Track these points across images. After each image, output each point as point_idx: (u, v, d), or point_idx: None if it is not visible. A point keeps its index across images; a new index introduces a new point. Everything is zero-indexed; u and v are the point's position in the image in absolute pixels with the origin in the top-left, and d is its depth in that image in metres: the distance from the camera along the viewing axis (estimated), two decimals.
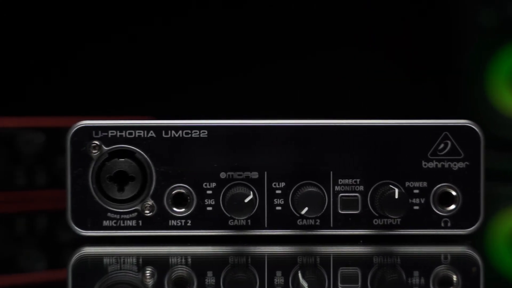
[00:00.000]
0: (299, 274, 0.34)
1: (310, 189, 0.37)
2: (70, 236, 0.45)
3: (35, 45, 0.70)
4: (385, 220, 0.38)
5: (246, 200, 0.37)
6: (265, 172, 0.38)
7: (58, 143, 0.59)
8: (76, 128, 0.38)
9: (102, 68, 0.71)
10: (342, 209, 0.38)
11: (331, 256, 0.38)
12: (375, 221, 0.38)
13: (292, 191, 0.38)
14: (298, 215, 0.38)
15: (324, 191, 0.38)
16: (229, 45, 0.72)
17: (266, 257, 0.37)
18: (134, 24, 0.72)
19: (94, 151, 0.38)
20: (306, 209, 0.37)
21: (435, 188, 0.38)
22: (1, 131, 0.58)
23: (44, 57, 0.70)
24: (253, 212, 0.37)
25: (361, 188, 0.38)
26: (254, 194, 0.37)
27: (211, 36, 0.72)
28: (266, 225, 0.38)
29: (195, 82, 0.71)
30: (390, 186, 0.38)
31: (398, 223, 0.38)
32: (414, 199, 0.38)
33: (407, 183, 0.38)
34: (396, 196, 0.37)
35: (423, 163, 0.38)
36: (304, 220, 0.38)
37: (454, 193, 0.38)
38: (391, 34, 0.72)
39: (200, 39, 0.72)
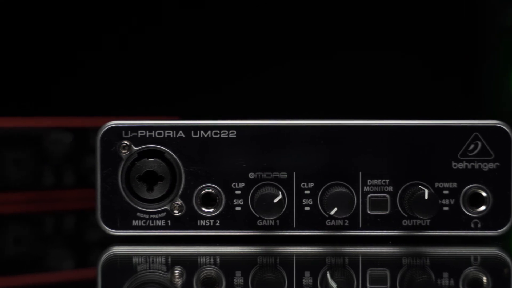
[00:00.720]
0: (328, 275, 0.34)
1: (339, 190, 0.37)
2: (97, 236, 0.46)
3: (61, 45, 0.71)
4: (415, 221, 0.38)
5: (275, 201, 0.37)
6: (294, 173, 0.38)
7: (86, 143, 0.60)
8: (106, 128, 0.38)
9: (128, 68, 0.71)
10: (371, 210, 0.38)
11: (360, 257, 0.38)
12: (404, 222, 0.38)
13: (320, 192, 0.38)
14: (326, 215, 0.38)
15: (353, 191, 0.38)
16: (258, 44, 0.72)
17: (294, 257, 0.38)
18: (159, 24, 0.72)
19: (123, 151, 0.38)
20: (335, 209, 0.37)
21: (465, 189, 0.38)
22: (29, 131, 0.59)
23: (70, 57, 0.71)
24: (281, 213, 0.37)
25: (390, 188, 0.38)
26: (282, 194, 0.37)
27: (238, 34, 0.72)
28: (294, 226, 0.38)
29: (222, 82, 0.71)
30: (420, 187, 0.37)
31: (428, 224, 0.38)
32: (443, 200, 0.38)
33: (436, 184, 0.38)
34: (426, 197, 0.37)
35: (453, 163, 0.38)
36: (333, 221, 0.38)
37: (484, 194, 0.38)
38: (416, 33, 0.72)
39: (226, 38, 0.72)
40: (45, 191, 0.59)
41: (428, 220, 0.38)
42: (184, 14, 0.72)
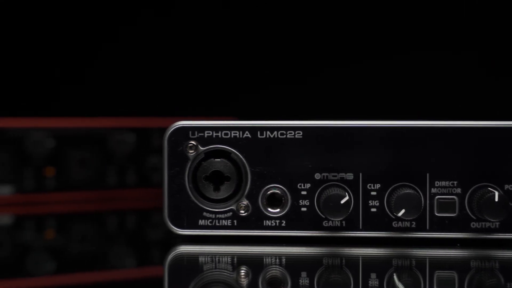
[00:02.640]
0: (395, 277, 0.33)
1: (408, 191, 0.37)
2: (160, 235, 0.46)
3: (120, 49, 0.72)
4: (483, 223, 0.37)
5: (342, 202, 0.37)
6: (360, 173, 0.38)
7: (148, 143, 0.61)
8: (173, 128, 0.38)
9: (187, 68, 0.72)
10: (438, 212, 0.37)
11: (427, 259, 0.37)
12: (473, 224, 0.37)
13: (387, 193, 0.37)
14: (393, 217, 0.37)
15: (420, 193, 0.37)
16: (323, 44, 0.71)
17: (360, 259, 0.37)
18: (219, 23, 0.72)
19: (190, 151, 0.38)
20: (403, 211, 0.37)
21: None
22: (93, 132, 0.60)
23: (128, 59, 0.72)
24: (348, 214, 0.37)
25: (459, 190, 0.37)
26: (349, 195, 0.37)
27: (303, 33, 0.72)
28: (360, 227, 0.38)
29: (288, 82, 0.71)
30: (489, 189, 0.37)
31: (497, 226, 0.37)
32: None
33: (506, 186, 0.37)
34: (496, 199, 0.36)
35: None
36: (400, 222, 0.37)
37: None
38: (478, 35, 0.70)
39: (291, 37, 0.72)
40: (108, 190, 0.60)
41: (497, 223, 0.37)
42: (246, 12, 0.73)
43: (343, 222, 0.38)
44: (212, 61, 0.72)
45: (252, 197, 0.38)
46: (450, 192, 0.37)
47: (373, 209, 0.38)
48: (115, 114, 0.61)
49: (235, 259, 0.37)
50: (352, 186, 0.38)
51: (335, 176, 0.38)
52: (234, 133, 0.38)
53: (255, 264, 0.36)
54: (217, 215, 0.38)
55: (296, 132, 0.38)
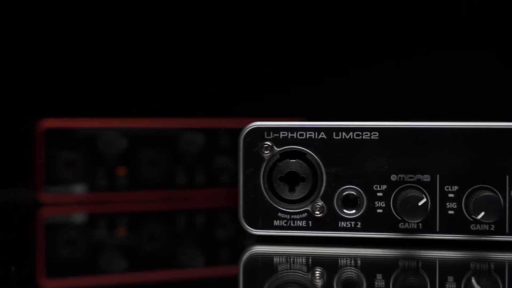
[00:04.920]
0: (473, 281, 0.33)
1: (487, 194, 0.36)
2: (231, 234, 0.47)
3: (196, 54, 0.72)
4: None
5: (420, 203, 0.36)
6: (437, 175, 0.37)
7: (217, 143, 0.61)
8: (249, 129, 0.38)
9: (248, 68, 0.72)
10: None
11: (506, 263, 0.36)
12: None
13: (465, 195, 0.37)
14: (471, 219, 0.37)
15: (500, 195, 0.37)
16: (398, 43, 0.71)
17: (437, 261, 0.37)
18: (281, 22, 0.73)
19: (266, 152, 0.38)
20: (482, 213, 0.36)
21: None
22: (163, 132, 0.61)
23: (197, 60, 0.72)
24: (425, 216, 0.37)
25: None
26: (426, 197, 0.37)
27: (367, 34, 0.71)
28: (437, 229, 0.37)
29: (361, 83, 0.71)
30: None
31: None
32: None
33: None
34: None
35: None
36: (478, 225, 0.37)
37: None
38: None
39: (358, 37, 0.71)
40: (178, 190, 0.61)
41: None
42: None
43: (420, 224, 0.37)
44: (277, 60, 0.72)
45: (327, 198, 0.38)
46: None
47: (451, 212, 0.37)
48: (185, 115, 0.62)
49: (310, 260, 0.37)
50: (429, 188, 0.37)
51: (412, 177, 0.37)
52: (309, 133, 0.38)
53: (330, 265, 0.36)
54: (292, 216, 0.38)
55: (372, 133, 0.38)
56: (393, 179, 0.37)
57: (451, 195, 0.37)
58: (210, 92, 0.71)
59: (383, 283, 0.32)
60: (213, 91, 0.71)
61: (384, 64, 0.71)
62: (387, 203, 0.37)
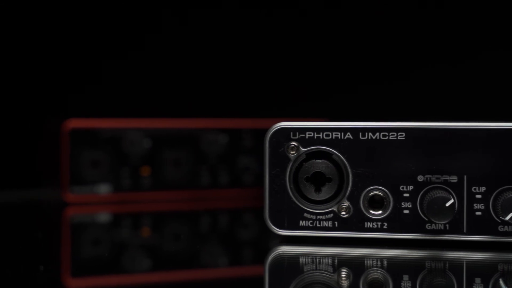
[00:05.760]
0: (501, 282, 0.33)
1: None
2: (254, 234, 0.47)
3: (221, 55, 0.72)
4: None
5: (447, 204, 0.36)
6: (465, 176, 0.37)
7: (240, 144, 0.61)
8: (274, 129, 0.38)
9: (274, 69, 0.72)
10: None
11: None
12: None
13: (493, 196, 0.37)
14: (499, 221, 0.37)
15: None
16: (419, 43, 0.71)
17: (464, 263, 0.37)
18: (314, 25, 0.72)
19: (292, 152, 0.38)
20: (510, 215, 0.36)
21: None
22: (187, 132, 0.61)
23: (223, 60, 0.72)
24: (452, 217, 0.37)
25: None
26: (453, 198, 0.37)
27: (402, 35, 0.71)
28: (465, 230, 0.37)
29: (388, 83, 0.71)
30: None
31: None
32: None
33: None
34: None
35: None
36: (506, 226, 0.37)
37: None
38: None
39: (389, 38, 0.71)
40: (201, 190, 0.61)
41: None
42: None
43: (447, 225, 0.37)
44: (305, 62, 0.72)
45: (353, 199, 0.38)
46: None
47: (478, 213, 0.37)
48: (208, 115, 0.62)
49: (336, 260, 0.37)
50: (456, 188, 0.37)
51: (439, 178, 0.37)
52: (335, 134, 0.38)
53: (356, 266, 0.36)
54: (318, 216, 0.38)
55: (399, 133, 0.37)
56: (420, 180, 0.37)
57: (478, 196, 0.37)
58: (233, 92, 0.71)
59: (410, 284, 0.32)
60: (236, 91, 0.71)
61: (410, 65, 0.70)
62: (414, 204, 0.37)
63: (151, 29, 0.71)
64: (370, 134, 0.38)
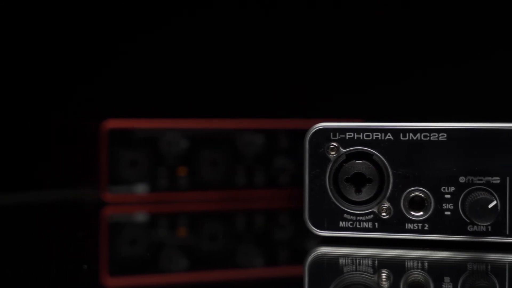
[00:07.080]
0: None
1: None
2: (291, 234, 0.47)
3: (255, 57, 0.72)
4: None
5: (490, 206, 0.36)
6: (507, 177, 0.36)
7: (276, 144, 0.61)
8: (314, 129, 0.38)
9: (308, 71, 0.72)
10: None
11: None
12: None
13: None
14: None
15: None
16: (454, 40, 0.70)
17: (507, 265, 0.36)
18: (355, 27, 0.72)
19: (332, 153, 0.38)
20: None
21: None
22: (223, 132, 0.61)
23: (257, 63, 0.73)
24: (495, 218, 0.36)
25: None
26: (496, 199, 0.36)
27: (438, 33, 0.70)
28: (507, 232, 0.36)
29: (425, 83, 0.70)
30: None
31: None
32: None
33: None
34: None
35: None
36: None
37: None
38: None
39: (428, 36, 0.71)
40: (237, 190, 0.61)
41: None
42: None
43: (489, 227, 0.37)
44: (335, 63, 0.72)
45: (394, 200, 0.38)
46: None
47: None
48: (245, 115, 0.62)
49: (376, 261, 0.37)
50: (499, 190, 0.37)
51: (481, 179, 0.37)
52: (376, 135, 0.38)
53: (397, 267, 0.36)
54: (358, 217, 0.38)
55: (440, 134, 0.37)
56: (462, 181, 0.37)
57: None
58: (269, 93, 0.71)
59: (451, 287, 0.32)
60: (272, 92, 0.71)
61: (447, 66, 0.70)
62: (456, 205, 0.37)
63: (186, 30, 0.72)
64: (411, 134, 0.37)
